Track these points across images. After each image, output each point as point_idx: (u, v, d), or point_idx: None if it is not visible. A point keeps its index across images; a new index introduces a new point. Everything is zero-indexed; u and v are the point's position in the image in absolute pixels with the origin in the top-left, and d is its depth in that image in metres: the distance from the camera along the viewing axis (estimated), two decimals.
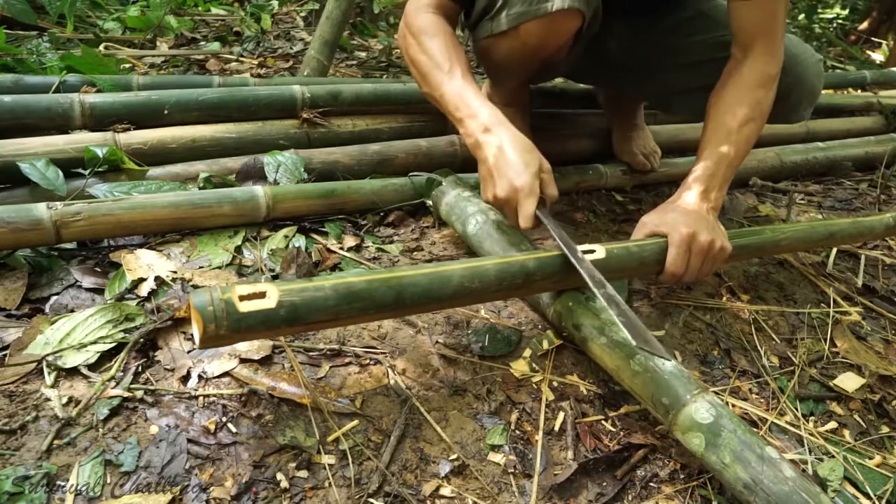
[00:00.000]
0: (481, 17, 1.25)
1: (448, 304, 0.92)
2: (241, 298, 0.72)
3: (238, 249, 1.18)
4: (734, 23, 1.19)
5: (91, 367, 0.88)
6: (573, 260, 0.94)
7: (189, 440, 0.81)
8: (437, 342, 1.03)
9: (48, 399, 0.82)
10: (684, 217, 1.06)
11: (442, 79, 1.13)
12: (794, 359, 1.19)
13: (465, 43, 1.54)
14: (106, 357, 0.90)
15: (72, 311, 0.99)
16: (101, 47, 2.35)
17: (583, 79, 1.73)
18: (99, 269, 1.08)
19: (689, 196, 1.11)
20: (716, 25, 1.30)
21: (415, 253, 1.28)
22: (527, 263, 0.94)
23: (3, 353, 0.89)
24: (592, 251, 0.99)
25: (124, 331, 0.94)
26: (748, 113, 1.15)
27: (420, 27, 1.16)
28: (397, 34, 1.25)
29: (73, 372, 0.87)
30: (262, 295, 0.73)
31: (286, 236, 1.23)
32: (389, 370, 0.96)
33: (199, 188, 1.28)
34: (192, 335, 0.96)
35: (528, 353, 1.04)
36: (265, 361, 0.93)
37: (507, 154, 1.05)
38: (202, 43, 2.71)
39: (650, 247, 1.05)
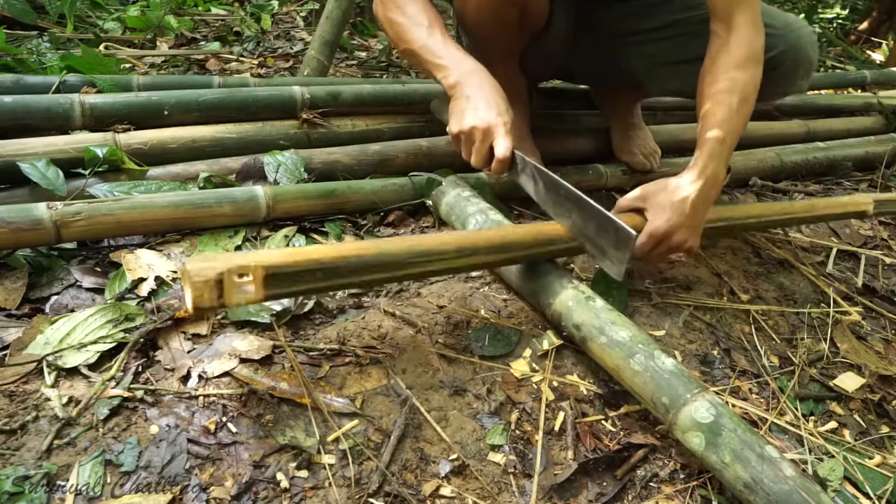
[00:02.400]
0: None
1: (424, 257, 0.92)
2: None
3: (238, 249, 1.18)
4: None
5: (91, 367, 0.88)
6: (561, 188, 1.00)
7: (189, 440, 0.81)
8: (437, 342, 1.03)
9: (48, 399, 0.82)
10: (670, 207, 1.08)
11: (421, 33, 1.15)
12: (794, 359, 1.19)
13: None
14: (106, 357, 0.90)
15: (72, 310, 0.99)
16: (101, 47, 2.35)
17: (576, 71, 1.71)
18: (99, 269, 1.08)
19: (684, 183, 1.10)
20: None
21: None
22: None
23: (3, 352, 0.89)
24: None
25: (124, 331, 0.94)
26: (741, 92, 1.13)
27: None
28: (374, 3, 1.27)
29: (73, 372, 0.87)
30: None
31: (286, 236, 1.23)
32: (389, 370, 0.96)
33: (199, 188, 1.28)
34: (192, 335, 0.96)
35: (528, 353, 1.04)
36: (265, 361, 0.93)
37: (491, 93, 1.07)
38: (202, 43, 2.71)
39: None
